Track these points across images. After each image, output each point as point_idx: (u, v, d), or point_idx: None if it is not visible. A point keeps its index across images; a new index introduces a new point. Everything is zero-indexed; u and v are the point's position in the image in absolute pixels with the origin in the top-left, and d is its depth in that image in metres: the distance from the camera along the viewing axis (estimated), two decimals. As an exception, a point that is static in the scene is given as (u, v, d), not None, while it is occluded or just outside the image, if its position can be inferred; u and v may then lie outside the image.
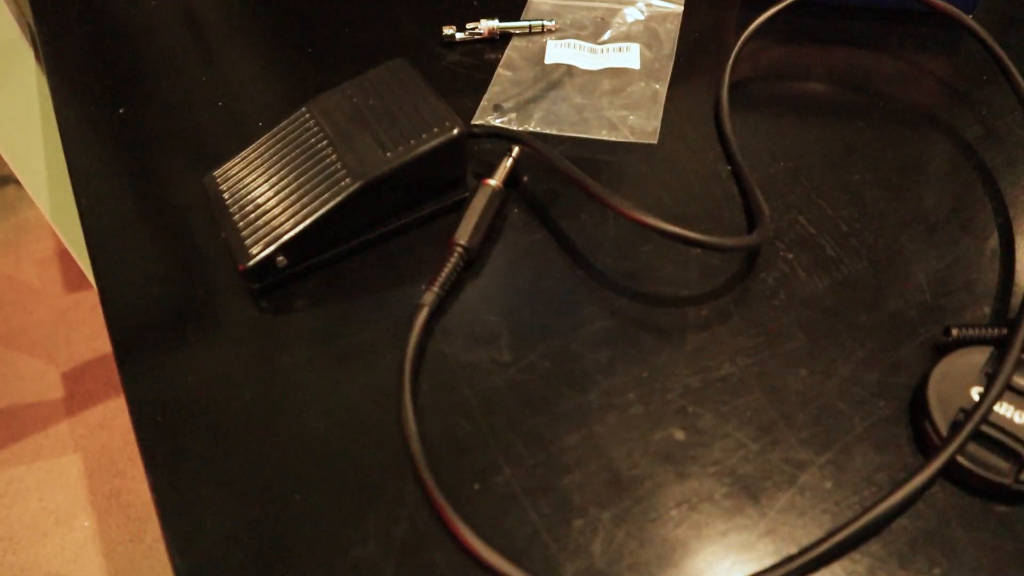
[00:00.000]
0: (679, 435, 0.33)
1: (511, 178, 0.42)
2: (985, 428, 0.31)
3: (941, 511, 0.30)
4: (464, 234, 0.38)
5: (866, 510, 0.29)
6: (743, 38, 0.48)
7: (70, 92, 0.52)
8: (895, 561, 0.29)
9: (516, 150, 0.42)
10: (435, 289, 0.37)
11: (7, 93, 0.62)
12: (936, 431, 0.31)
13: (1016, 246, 0.39)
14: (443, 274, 0.37)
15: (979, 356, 0.33)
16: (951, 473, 0.31)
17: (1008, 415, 0.31)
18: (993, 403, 0.31)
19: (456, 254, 0.38)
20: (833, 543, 0.29)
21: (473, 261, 0.39)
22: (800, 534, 0.30)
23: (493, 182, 0.41)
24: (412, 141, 0.38)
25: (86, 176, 0.46)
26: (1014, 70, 0.43)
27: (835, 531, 0.29)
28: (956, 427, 0.31)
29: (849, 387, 0.34)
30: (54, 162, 0.46)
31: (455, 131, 0.38)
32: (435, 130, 0.38)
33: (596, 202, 0.36)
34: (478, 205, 0.39)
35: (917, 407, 0.33)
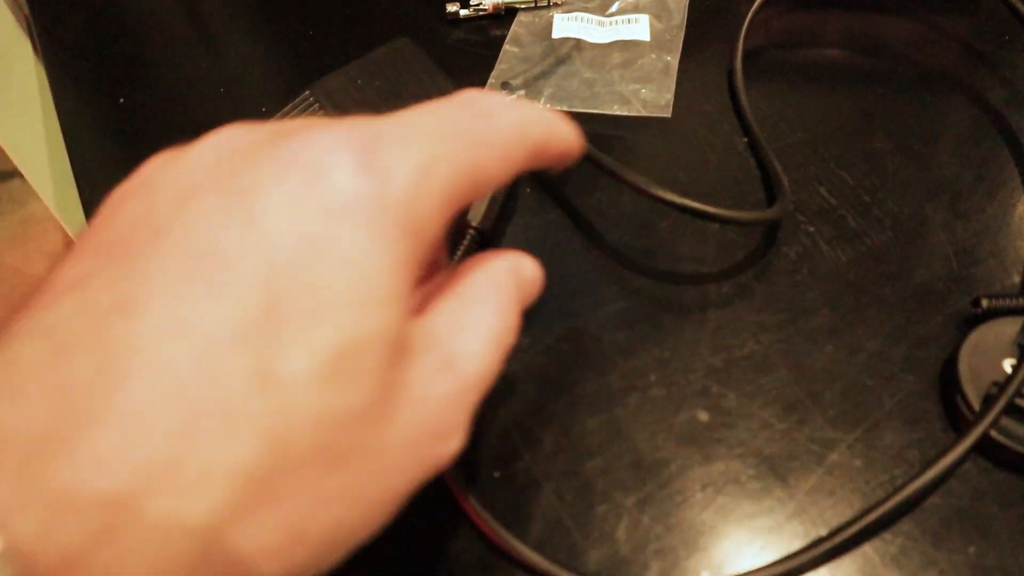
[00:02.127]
0: (703, 416, 0.32)
1: None
2: (1020, 401, 0.30)
3: (975, 488, 0.30)
4: (477, 215, 0.37)
5: (896, 489, 0.29)
6: (755, 6, 0.46)
7: (69, 83, 0.51)
8: (928, 540, 0.28)
9: None
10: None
11: (6, 85, 0.61)
12: (968, 406, 0.30)
13: (1045, 212, 0.38)
14: (456, 258, 0.36)
15: (1011, 327, 0.32)
16: (985, 449, 0.30)
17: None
18: (1028, 375, 0.30)
19: (469, 236, 0.37)
20: (863, 525, 0.28)
21: (488, 243, 0.38)
22: (830, 515, 0.29)
23: None
24: (419, 121, 0.37)
25: (89, 167, 0.45)
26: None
27: (865, 512, 0.28)
28: (989, 401, 0.30)
29: (876, 362, 0.33)
30: (57, 154, 0.46)
31: (463, 110, 0.37)
32: (442, 110, 0.37)
33: (611, 179, 0.35)
34: None
35: (948, 382, 0.32)
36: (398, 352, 0.19)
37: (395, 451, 0.20)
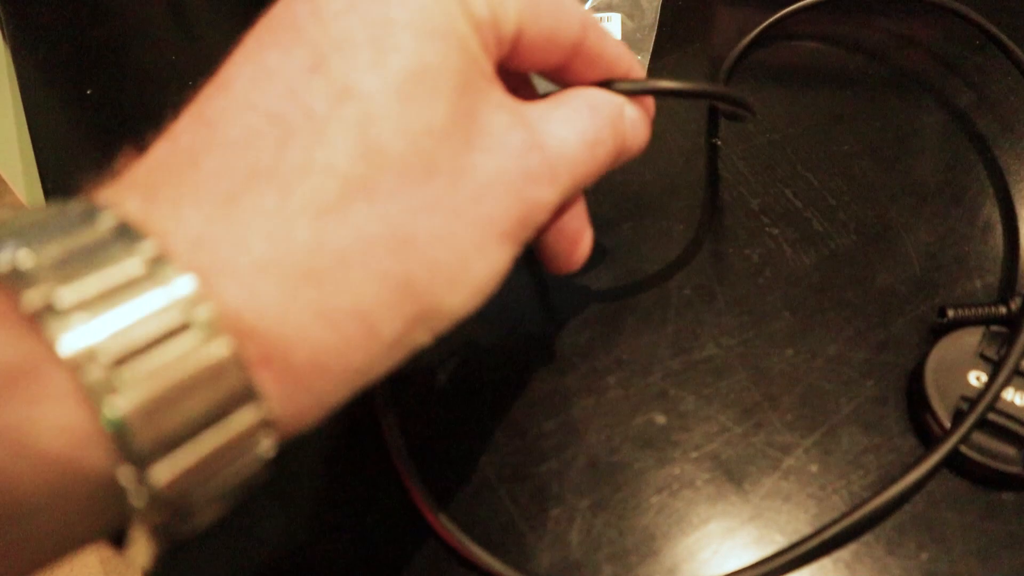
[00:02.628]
0: (660, 419, 0.32)
1: None
2: (992, 416, 0.29)
3: (930, 494, 0.29)
4: None
5: (857, 506, 0.28)
6: (743, 44, 0.45)
7: (36, 71, 0.50)
8: (882, 546, 0.28)
9: None
10: None
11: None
12: (939, 423, 0.30)
13: (1009, 217, 0.37)
14: None
15: (972, 337, 0.31)
16: (952, 463, 0.30)
17: (1009, 398, 0.30)
18: (999, 391, 0.29)
19: None
20: (825, 537, 0.28)
21: None
22: (785, 520, 0.29)
23: None
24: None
25: (53, 160, 0.45)
26: (1006, 40, 0.42)
27: (826, 526, 0.28)
28: (960, 416, 0.29)
29: (836, 367, 0.33)
30: (28, 146, 0.45)
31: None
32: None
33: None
34: None
35: (915, 400, 0.31)
36: (470, 88, 0.21)
37: (485, 174, 0.21)
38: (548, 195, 0.23)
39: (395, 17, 0.20)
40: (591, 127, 0.24)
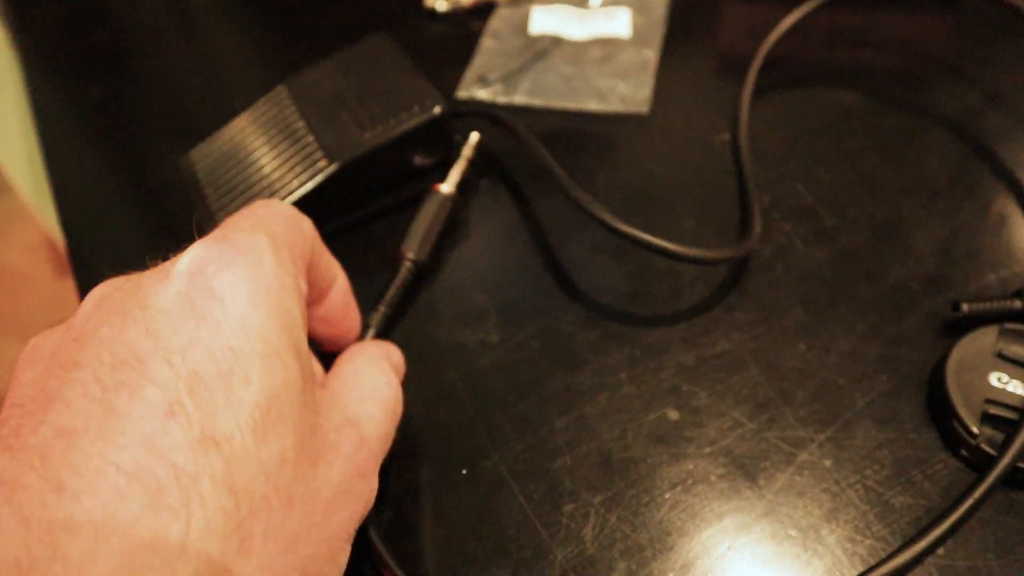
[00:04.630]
0: (673, 415, 0.32)
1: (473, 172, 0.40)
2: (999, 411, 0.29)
3: (945, 489, 0.29)
4: (412, 246, 0.35)
5: (923, 531, 0.27)
6: (775, 35, 0.44)
7: (43, 70, 0.50)
8: (898, 541, 0.28)
9: (472, 145, 0.39)
10: (382, 309, 0.34)
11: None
12: (967, 429, 0.29)
13: (1022, 211, 0.37)
14: (390, 293, 0.34)
15: (987, 338, 0.31)
16: (974, 463, 0.30)
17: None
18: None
19: (405, 268, 0.35)
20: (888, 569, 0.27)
21: (424, 274, 0.37)
22: (799, 515, 0.29)
23: (445, 188, 0.37)
24: (392, 121, 0.36)
25: (61, 159, 0.45)
26: None
27: (887, 558, 0.27)
28: (987, 420, 0.29)
29: (849, 362, 0.33)
30: (33, 146, 0.45)
31: (436, 110, 0.36)
32: (415, 109, 0.37)
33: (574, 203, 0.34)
34: (427, 213, 0.36)
35: (938, 405, 0.31)
36: (307, 403, 0.22)
37: (330, 488, 0.22)
38: (375, 482, 0.25)
39: (238, 346, 0.20)
40: (389, 393, 0.27)
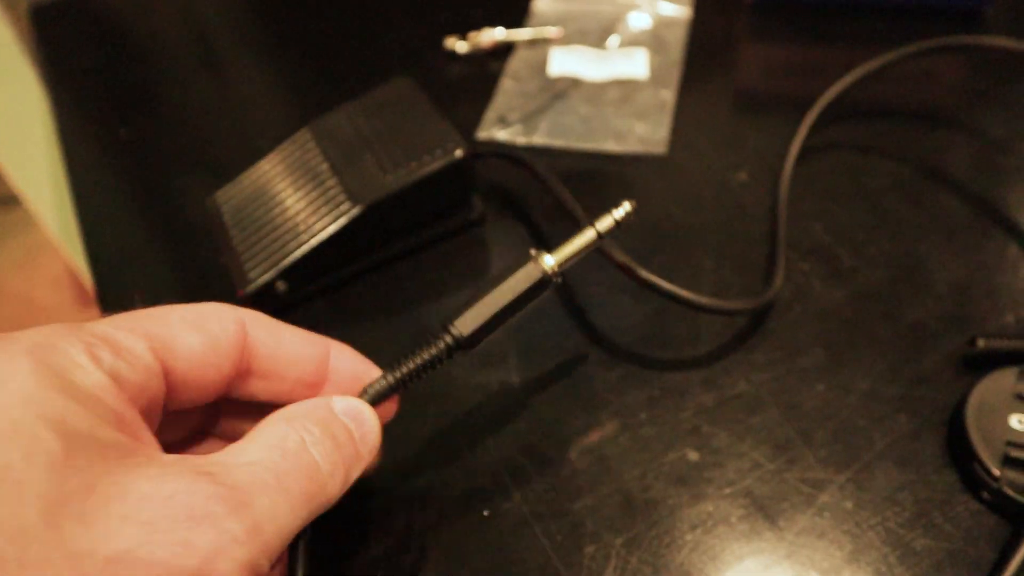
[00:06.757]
0: (693, 456, 0.32)
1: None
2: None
3: (966, 530, 0.29)
4: (468, 322, 0.27)
5: None
6: (827, 98, 0.43)
7: (73, 111, 0.51)
8: (920, 585, 0.28)
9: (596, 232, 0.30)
10: (389, 379, 0.27)
11: (10, 112, 0.62)
12: (988, 472, 0.29)
13: (1040, 251, 0.37)
14: (416, 362, 0.27)
15: (1007, 379, 0.31)
16: (997, 505, 0.30)
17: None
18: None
19: (444, 343, 0.27)
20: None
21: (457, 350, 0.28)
22: (820, 557, 0.29)
23: (550, 262, 0.28)
24: (414, 163, 0.37)
25: (89, 196, 0.46)
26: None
27: None
28: (1008, 462, 0.29)
29: (869, 402, 0.33)
30: (59, 181, 0.46)
31: (458, 153, 0.37)
32: (438, 152, 0.37)
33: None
34: (512, 286, 0.28)
35: (958, 447, 0.31)
36: (83, 468, 0.20)
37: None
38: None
39: None
40: (298, 463, 0.23)
